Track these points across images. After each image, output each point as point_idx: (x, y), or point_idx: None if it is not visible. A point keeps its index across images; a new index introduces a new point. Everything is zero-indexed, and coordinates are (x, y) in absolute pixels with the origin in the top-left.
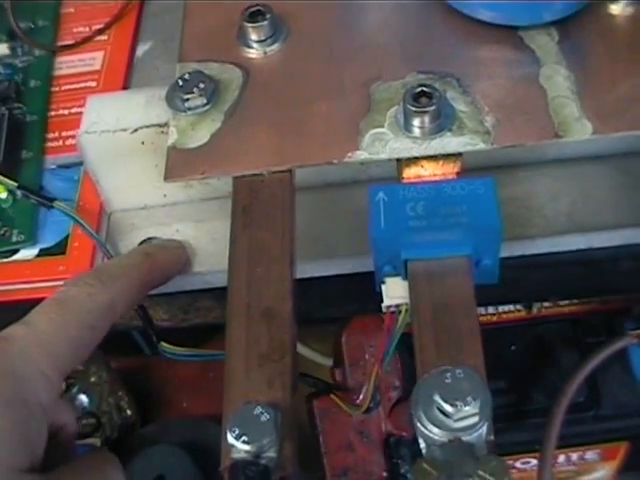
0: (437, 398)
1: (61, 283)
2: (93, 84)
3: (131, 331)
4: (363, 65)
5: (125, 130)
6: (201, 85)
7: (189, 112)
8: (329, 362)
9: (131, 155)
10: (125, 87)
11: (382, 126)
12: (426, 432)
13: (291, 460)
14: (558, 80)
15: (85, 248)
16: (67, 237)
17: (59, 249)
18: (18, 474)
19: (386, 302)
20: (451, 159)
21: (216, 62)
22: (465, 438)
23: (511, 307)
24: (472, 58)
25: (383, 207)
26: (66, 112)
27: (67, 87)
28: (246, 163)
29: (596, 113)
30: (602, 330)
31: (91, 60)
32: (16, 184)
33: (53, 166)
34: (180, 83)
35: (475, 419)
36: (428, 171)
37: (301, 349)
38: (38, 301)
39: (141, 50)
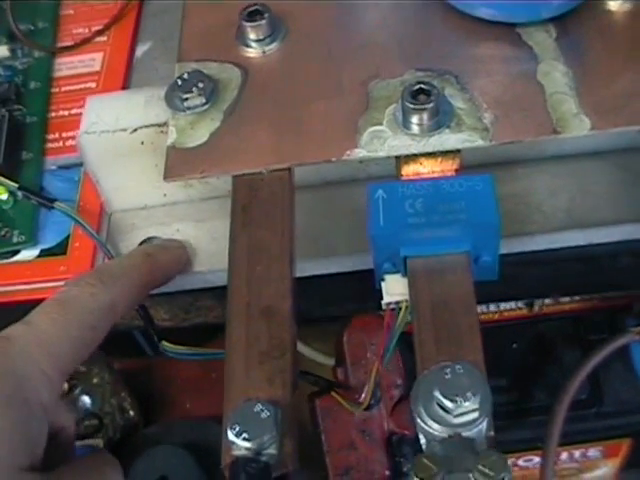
0: (437, 394)
1: (62, 283)
2: (93, 85)
3: (133, 332)
4: (361, 63)
5: (125, 130)
6: (200, 85)
7: (188, 111)
8: (331, 361)
9: (131, 155)
10: (125, 88)
11: (380, 124)
12: (426, 428)
13: (291, 457)
14: (556, 76)
15: (86, 248)
16: (68, 238)
17: (60, 250)
18: (18, 473)
19: (386, 299)
20: (450, 156)
21: (215, 62)
22: (465, 434)
23: (512, 305)
24: (470, 55)
25: (382, 205)
26: (66, 113)
27: (67, 88)
28: (245, 162)
29: (594, 109)
30: (604, 327)
31: (91, 61)
32: (17, 185)
33: (53, 167)
34: (179, 83)
35: (475, 415)
36: (427, 168)
37: (303, 349)
38: (39, 302)
39: (140, 50)
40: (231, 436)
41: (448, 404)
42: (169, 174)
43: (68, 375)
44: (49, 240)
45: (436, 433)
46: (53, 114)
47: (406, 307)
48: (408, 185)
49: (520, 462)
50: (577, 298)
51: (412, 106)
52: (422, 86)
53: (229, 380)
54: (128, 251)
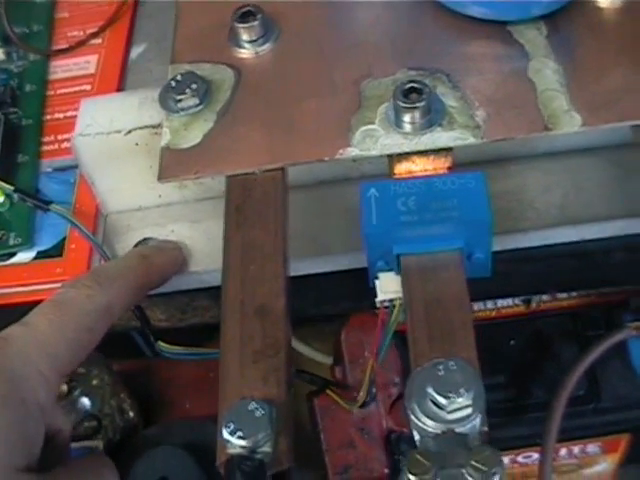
0: (430, 390)
1: (59, 285)
2: (88, 87)
3: (132, 333)
4: (354, 63)
5: (119, 132)
6: (193, 86)
7: (182, 113)
8: (330, 361)
9: (125, 157)
10: (120, 90)
11: (373, 123)
12: (420, 424)
13: (286, 454)
14: (547, 73)
15: (82, 250)
16: (64, 239)
17: (56, 251)
18: (15, 473)
19: (380, 297)
20: (442, 154)
21: (208, 63)
22: (458, 429)
23: (510, 302)
24: (461, 54)
25: (375, 203)
26: (61, 116)
27: (62, 91)
28: (238, 162)
29: (585, 105)
30: (601, 323)
31: (86, 64)
32: (12, 188)
33: (49, 169)
34: (173, 84)
35: (468, 410)
36: (419, 166)
37: (302, 348)
38: (36, 303)
39: (135, 52)
40: (226, 434)
41: (441, 400)
42: (163, 175)
43: (65, 376)
44: (45, 242)
45: (430, 429)
46: (48, 117)
47: (400, 304)
48: (400, 183)
49: (519, 459)
50: (574, 294)
51: (404, 105)
52: (414, 85)
53: (224, 379)
54: (124, 252)
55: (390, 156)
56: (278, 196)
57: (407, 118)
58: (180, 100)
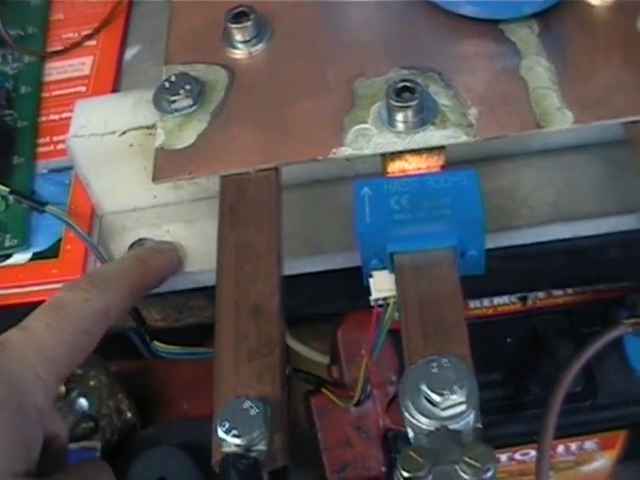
0: (424, 387)
1: (55, 286)
2: (83, 89)
3: (129, 334)
4: (346, 62)
5: (113, 133)
6: (187, 87)
7: (176, 113)
8: (327, 360)
9: (120, 158)
10: (114, 91)
11: (366, 122)
12: (414, 421)
13: (281, 453)
14: (539, 71)
15: (77, 251)
16: (60, 240)
17: (52, 253)
18: (14, 478)
19: (374, 295)
20: (435, 152)
21: (202, 63)
22: (452, 426)
23: (506, 300)
24: (454, 53)
25: (368, 202)
26: (56, 117)
27: (57, 92)
28: (232, 162)
29: (577, 103)
30: (597, 320)
31: (80, 65)
32: (8, 189)
33: (44, 171)
34: (167, 85)
35: (462, 407)
36: (412, 165)
37: (299, 347)
38: (32, 305)
39: (129, 54)
40: (221, 433)
41: (435, 397)
42: (158, 176)
43: (63, 380)
44: (41, 243)
45: (424, 426)
46: (44, 118)
47: (394, 303)
48: (394, 182)
49: (517, 456)
50: (570, 292)
51: (397, 104)
52: (406, 84)
53: (218, 378)
54: (119, 253)
55: (383, 155)
56: (272, 196)
57: (400, 117)
58: (174, 101)
